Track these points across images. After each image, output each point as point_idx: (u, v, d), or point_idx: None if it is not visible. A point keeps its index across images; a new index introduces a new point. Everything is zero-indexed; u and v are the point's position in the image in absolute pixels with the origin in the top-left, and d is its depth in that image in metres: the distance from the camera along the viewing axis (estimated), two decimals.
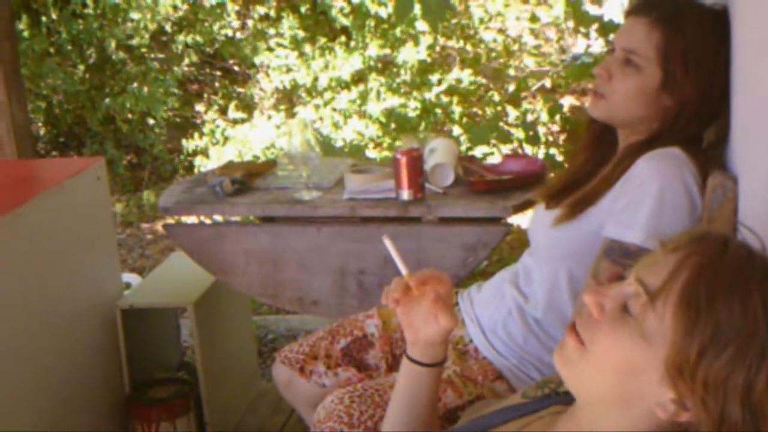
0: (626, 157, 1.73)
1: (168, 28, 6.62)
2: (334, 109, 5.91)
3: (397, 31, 5.94)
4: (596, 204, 1.72)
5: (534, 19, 6.27)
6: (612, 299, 1.04)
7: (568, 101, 6.73)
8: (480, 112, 6.13)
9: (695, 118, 1.72)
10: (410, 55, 5.94)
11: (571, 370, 1.08)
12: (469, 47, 6.35)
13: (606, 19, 4.72)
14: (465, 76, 6.01)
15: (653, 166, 1.65)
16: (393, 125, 5.61)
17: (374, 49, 6.07)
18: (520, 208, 2.38)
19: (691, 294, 0.97)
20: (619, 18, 4.35)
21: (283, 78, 6.32)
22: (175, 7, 6.52)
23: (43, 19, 6.46)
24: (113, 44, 6.40)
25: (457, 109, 5.92)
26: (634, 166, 1.67)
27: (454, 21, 6.23)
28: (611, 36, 4.55)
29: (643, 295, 1.01)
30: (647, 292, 1.01)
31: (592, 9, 4.72)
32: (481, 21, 6.27)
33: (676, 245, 1.03)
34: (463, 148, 4.83)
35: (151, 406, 2.69)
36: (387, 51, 6.06)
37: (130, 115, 6.51)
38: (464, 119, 5.92)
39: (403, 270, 1.33)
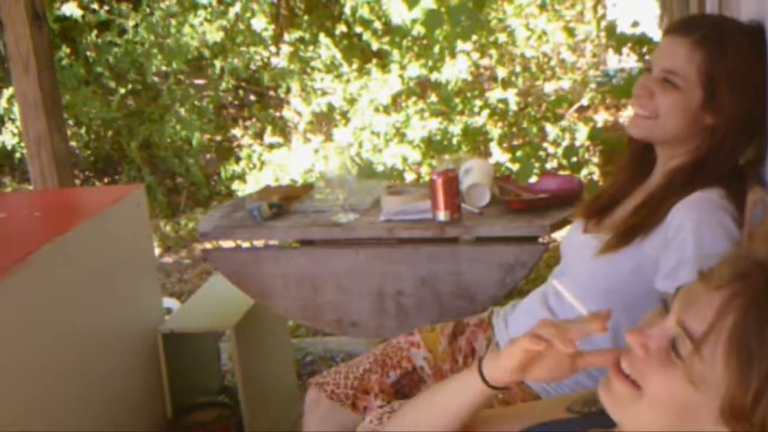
0: (672, 187, 1.71)
1: (206, 53, 6.69)
2: (373, 132, 5.89)
3: (435, 49, 5.91)
4: (644, 238, 1.69)
5: (569, 33, 6.24)
6: (655, 340, 1.02)
7: (602, 116, 6.71)
8: (516, 130, 6.10)
9: (736, 139, 1.69)
10: (452, 74, 5.91)
11: (622, 411, 1.06)
12: (500, 68, 6.32)
13: (639, 33, 4.72)
14: (510, 96, 5.96)
15: (692, 217, 1.63)
16: (433, 153, 5.57)
17: (414, 69, 6.04)
18: (557, 226, 2.37)
19: (741, 339, 0.95)
20: (652, 32, 4.34)
21: (319, 101, 6.33)
22: (221, 28, 6.57)
23: (81, 47, 6.56)
24: (152, 70, 6.48)
25: (495, 130, 5.88)
26: (673, 218, 1.65)
27: (491, 39, 6.21)
28: (644, 50, 4.55)
29: (687, 341, 0.98)
30: (692, 339, 0.98)
31: (625, 27, 4.73)
32: (526, 39, 6.24)
33: (719, 282, 0.99)
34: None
35: (194, 431, 2.70)
36: (425, 72, 6.02)
37: (168, 140, 6.58)
38: (503, 142, 5.88)
39: (583, 310, 1.20)
